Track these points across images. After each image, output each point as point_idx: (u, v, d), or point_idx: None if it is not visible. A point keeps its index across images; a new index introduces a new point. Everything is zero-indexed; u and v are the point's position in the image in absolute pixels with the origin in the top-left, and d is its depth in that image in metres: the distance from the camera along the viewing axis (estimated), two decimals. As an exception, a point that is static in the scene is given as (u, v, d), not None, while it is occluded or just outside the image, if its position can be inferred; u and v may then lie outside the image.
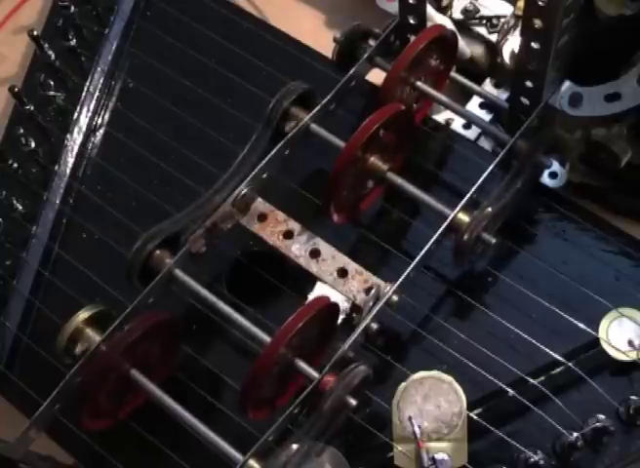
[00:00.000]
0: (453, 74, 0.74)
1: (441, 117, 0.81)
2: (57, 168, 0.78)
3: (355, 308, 0.64)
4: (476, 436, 0.62)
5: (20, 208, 0.77)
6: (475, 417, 0.62)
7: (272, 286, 0.68)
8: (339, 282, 0.64)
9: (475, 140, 0.80)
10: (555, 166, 0.73)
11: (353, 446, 0.63)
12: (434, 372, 0.63)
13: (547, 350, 0.64)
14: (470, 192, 0.64)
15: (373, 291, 0.63)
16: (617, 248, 0.69)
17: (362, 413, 0.62)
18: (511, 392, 0.63)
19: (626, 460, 0.62)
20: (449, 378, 0.63)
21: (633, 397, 0.63)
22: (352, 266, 0.65)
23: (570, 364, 0.64)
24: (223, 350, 0.69)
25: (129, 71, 0.83)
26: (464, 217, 0.63)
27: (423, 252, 0.63)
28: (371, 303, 0.62)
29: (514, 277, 0.68)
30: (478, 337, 0.65)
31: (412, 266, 0.62)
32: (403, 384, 0.63)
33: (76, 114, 0.81)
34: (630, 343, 0.64)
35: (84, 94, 0.82)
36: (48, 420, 0.62)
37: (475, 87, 0.75)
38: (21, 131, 0.80)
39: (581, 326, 0.64)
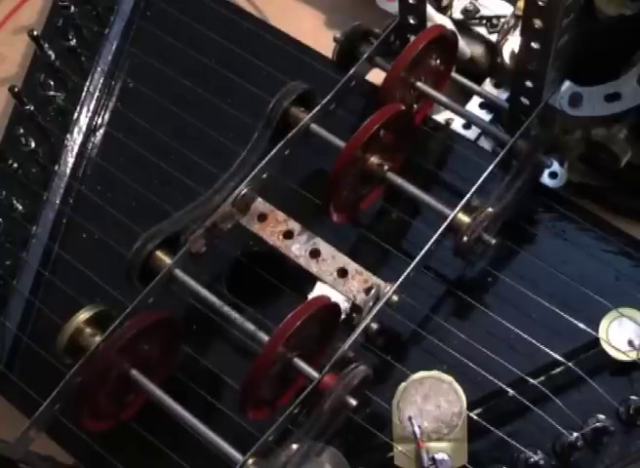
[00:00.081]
0: (453, 74, 0.74)
1: (441, 117, 0.81)
2: (57, 168, 0.78)
3: (355, 308, 0.64)
4: (476, 436, 0.62)
5: (20, 208, 0.77)
6: (475, 417, 0.62)
7: (272, 286, 0.68)
8: (339, 282, 0.64)
9: (475, 140, 0.80)
10: (555, 166, 0.73)
11: (353, 446, 0.63)
12: (434, 372, 0.63)
13: (547, 350, 0.64)
14: (470, 192, 0.64)
15: (373, 291, 0.63)
16: (617, 248, 0.69)
17: (362, 413, 0.62)
18: (511, 392, 0.63)
19: (626, 460, 0.62)
20: (449, 378, 0.63)
21: (633, 397, 0.63)
22: (352, 266, 0.65)
23: (570, 364, 0.64)
24: (223, 350, 0.69)
25: (129, 71, 0.83)
26: (464, 218, 0.63)
27: (423, 252, 0.63)
28: (371, 303, 0.62)
29: (514, 277, 0.68)
30: (478, 337, 0.65)
31: (412, 266, 0.62)
32: (403, 384, 0.63)
33: (76, 114, 0.81)
34: (630, 343, 0.64)
35: (84, 94, 0.82)
36: (48, 420, 0.62)
37: (475, 87, 0.75)
38: (21, 131, 0.80)
39: (581, 326, 0.64)
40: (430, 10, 0.76)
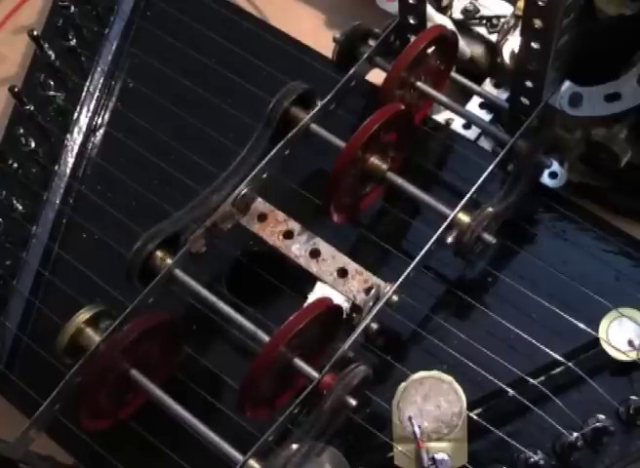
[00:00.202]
0: (453, 74, 0.74)
1: (441, 117, 0.81)
2: (57, 168, 0.78)
3: (355, 308, 0.64)
4: (476, 436, 0.62)
5: (20, 208, 0.77)
6: (475, 417, 0.62)
7: (272, 286, 0.68)
8: (339, 282, 0.64)
9: (475, 140, 0.80)
10: (555, 166, 0.73)
11: (353, 446, 0.63)
12: (434, 372, 0.63)
13: (547, 350, 0.64)
14: (470, 192, 0.64)
15: (373, 291, 0.63)
16: (617, 248, 0.69)
17: (362, 413, 0.62)
18: (511, 392, 0.63)
19: (626, 460, 0.62)
20: (449, 378, 0.63)
21: (633, 397, 0.63)
22: (352, 266, 0.65)
23: (570, 364, 0.64)
24: (223, 350, 0.69)
25: (129, 71, 0.83)
26: (464, 217, 0.63)
27: (423, 252, 0.63)
28: (371, 303, 0.62)
29: (514, 277, 0.68)
30: (478, 337, 0.65)
31: (412, 266, 0.62)
32: (403, 384, 0.63)
33: (76, 114, 0.81)
34: (630, 343, 0.64)
35: (84, 94, 0.82)
36: (48, 420, 0.62)
37: (475, 87, 0.75)
38: (21, 131, 0.80)
39: (581, 326, 0.64)
40: (430, 10, 0.76)
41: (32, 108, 0.80)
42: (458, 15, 0.83)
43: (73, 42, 0.84)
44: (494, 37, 0.82)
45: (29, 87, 0.82)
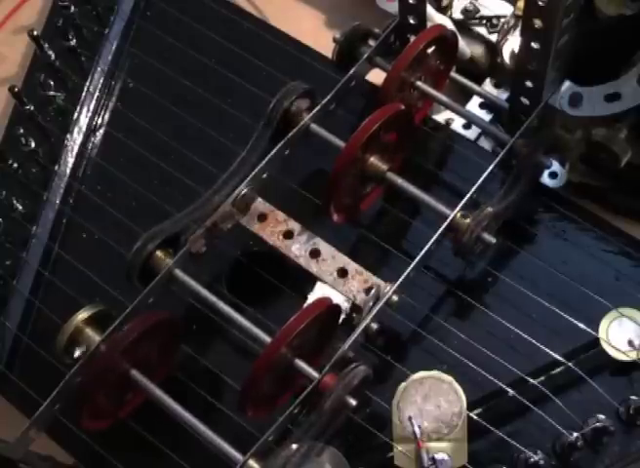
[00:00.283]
0: (453, 74, 0.74)
1: (441, 117, 0.81)
2: (57, 168, 0.78)
3: (355, 308, 0.64)
4: (476, 436, 0.62)
5: (20, 208, 0.77)
6: (475, 417, 0.62)
7: (272, 286, 0.68)
8: (339, 282, 0.64)
9: (475, 140, 0.80)
10: (555, 166, 0.73)
11: (353, 446, 0.63)
12: (434, 372, 0.63)
13: (547, 350, 0.64)
14: (470, 192, 0.64)
15: (373, 291, 0.63)
16: (617, 248, 0.69)
17: (362, 413, 0.62)
18: (511, 392, 0.63)
19: (626, 460, 0.62)
20: (449, 378, 0.63)
21: (633, 397, 0.63)
22: (352, 266, 0.65)
23: (570, 364, 0.64)
24: (223, 350, 0.69)
25: (129, 71, 0.83)
26: (464, 218, 0.63)
27: (423, 252, 0.63)
28: (371, 303, 0.62)
29: (514, 277, 0.68)
30: (478, 337, 0.65)
31: (412, 266, 0.62)
32: (403, 384, 0.63)
33: (76, 114, 0.81)
34: (630, 343, 0.64)
35: (84, 94, 0.82)
36: (48, 420, 0.62)
37: (475, 87, 0.75)
38: (21, 131, 0.80)
39: (581, 326, 0.64)
40: (430, 10, 0.76)
41: (32, 108, 0.80)
42: (458, 15, 0.83)
43: (73, 42, 0.84)
44: (494, 37, 0.82)
45: (29, 87, 0.82)
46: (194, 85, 0.80)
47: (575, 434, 0.61)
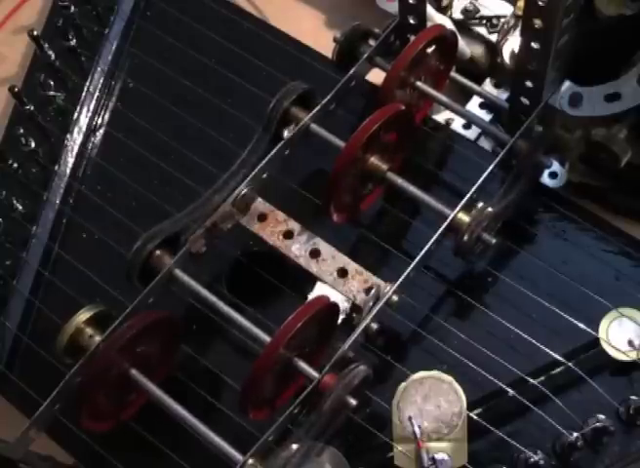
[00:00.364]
0: (453, 74, 0.74)
1: (441, 117, 0.81)
2: (57, 168, 0.78)
3: (355, 308, 0.64)
4: (476, 436, 0.62)
5: (20, 208, 0.77)
6: (475, 417, 0.62)
7: (272, 286, 0.68)
8: (339, 282, 0.64)
9: (475, 140, 0.80)
10: (555, 166, 0.73)
11: (353, 446, 0.63)
12: (434, 372, 0.63)
13: (547, 350, 0.64)
14: (470, 192, 0.64)
15: (373, 291, 0.63)
16: (617, 248, 0.69)
17: (362, 413, 0.62)
18: (511, 392, 0.63)
19: (626, 460, 0.62)
20: (449, 378, 0.63)
21: (633, 397, 0.63)
22: (352, 266, 0.65)
23: (570, 364, 0.64)
24: (223, 350, 0.69)
25: (129, 71, 0.83)
26: (464, 217, 0.63)
27: (423, 252, 0.63)
28: (371, 303, 0.62)
29: (514, 277, 0.68)
30: (478, 337, 0.65)
31: (412, 266, 0.62)
32: (403, 384, 0.63)
33: (76, 114, 0.81)
34: (630, 343, 0.64)
35: (84, 94, 0.82)
36: (48, 420, 0.62)
37: (475, 87, 0.75)
38: (21, 131, 0.80)
39: (581, 326, 0.64)
40: (430, 10, 0.76)
41: (32, 108, 0.80)
42: (458, 15, 0.83)
43: (73, 42, 0.84)
44: (494, 37, 0.82)
45: (29, 87, 0.82)
46: (194, 85, 0.80)
47: (575, 434, 0.61)
